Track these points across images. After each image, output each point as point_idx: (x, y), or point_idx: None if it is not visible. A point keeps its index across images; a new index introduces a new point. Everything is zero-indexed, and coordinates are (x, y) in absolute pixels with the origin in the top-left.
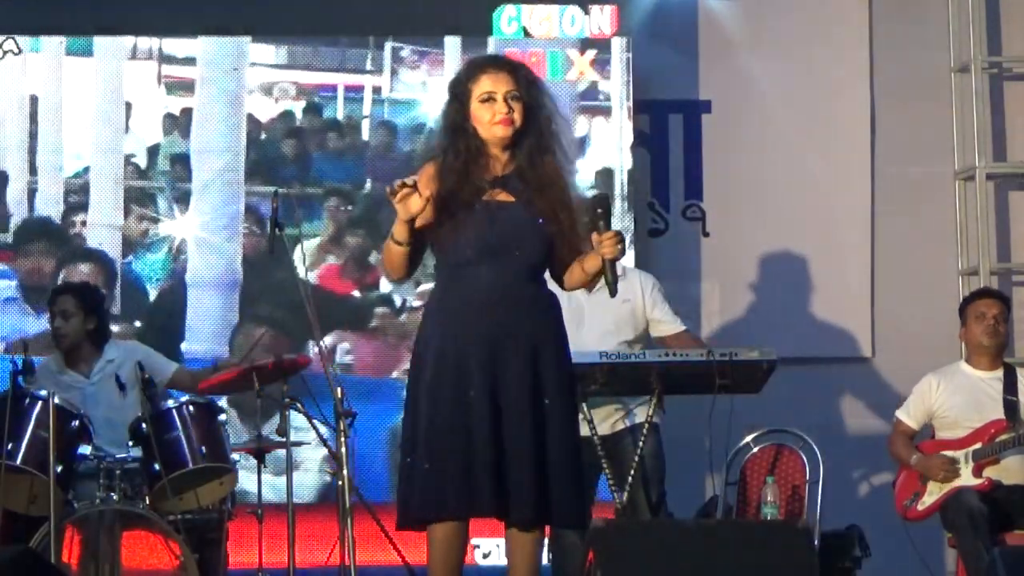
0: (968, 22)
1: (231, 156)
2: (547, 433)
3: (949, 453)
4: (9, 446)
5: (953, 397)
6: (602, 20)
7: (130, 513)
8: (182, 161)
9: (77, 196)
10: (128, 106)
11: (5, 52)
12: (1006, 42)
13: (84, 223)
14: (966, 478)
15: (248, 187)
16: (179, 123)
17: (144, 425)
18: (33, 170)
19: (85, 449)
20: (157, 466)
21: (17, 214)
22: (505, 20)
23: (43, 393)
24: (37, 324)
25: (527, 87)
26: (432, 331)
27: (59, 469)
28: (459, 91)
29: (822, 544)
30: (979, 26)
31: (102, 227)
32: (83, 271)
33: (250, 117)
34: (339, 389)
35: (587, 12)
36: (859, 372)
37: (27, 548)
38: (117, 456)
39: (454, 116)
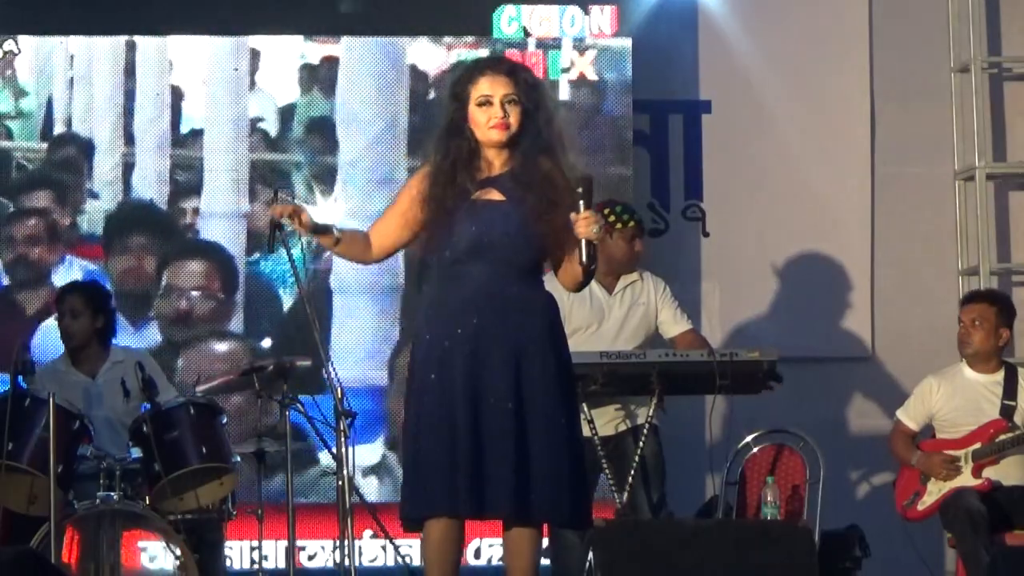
0: (968, 22)
1: (388, 120)
2: (531, 432)
3: (949, 453)
4: (9, 446)
5: (952, 400)
6: (602, 20)
7: (130, 513)
8: (324, 127)
9: (187, 173)
10: (253, 55)
11: (5, 52)
12: (1006, 42)
13: (196, 209)
14: (965, 478)
15: (411, 161)
16: (320, 77)
17: (144, 425)
18: (129, 139)
19: (85, 449)
20: (157, 466)
21: (108, 197)
22: (505, 20)
23: (43, 394)
24: (136, 342)
25: (526, 90)
26: (422, 330)
27: (59, 469)
28: (458, 92)
29: (822, 544)
30: (979, 26)
31: (220, 215)
32: (194, 271)
33: (413, 70)
34: (339, 389)
35: (587, 12)
36: (859, 372)
37: (27, 548)
38: (117, 456)
39: (452, 116)
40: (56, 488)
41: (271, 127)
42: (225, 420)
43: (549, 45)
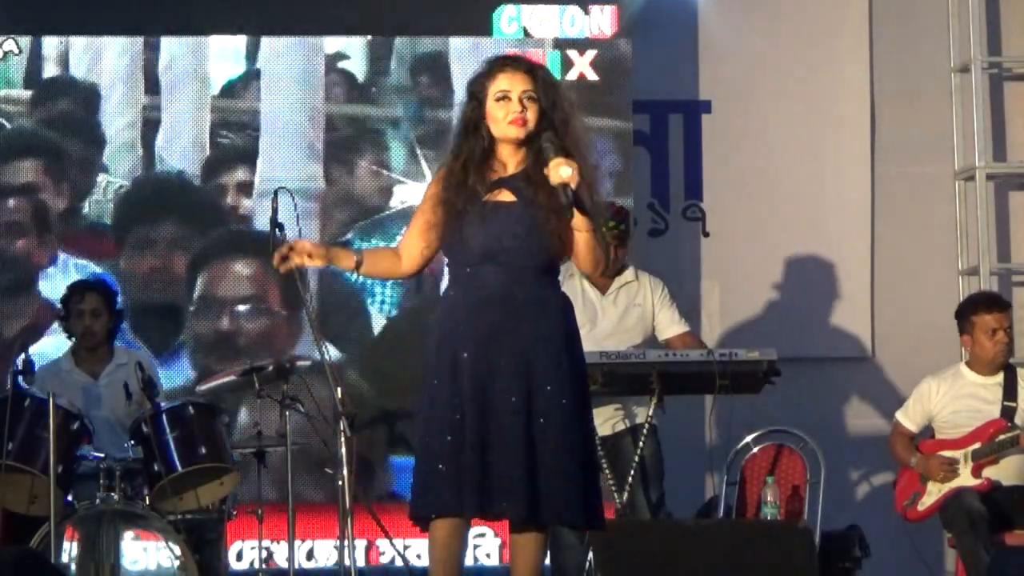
0: (968, 22)
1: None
2: (543, 432)
3: (948, 453)
4: (9, 446)
5: (953, 402)
6: (602, 20)
7: (130, 513)
8: (433, 70)
9: (234, 134)
10: None
11: (5, 52)
12: (1006, 42)
13: (248, 185)
14: (965, 478)
15: None
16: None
17: (144, 425)
18: (152, 86)
19: (85, 449)
20: (157, 466)
21: (121, 170)
22: (505, 20)
23: (43, 394)
24: (163, 374)
25: (544, 88)
26: (436, 331)
27: (59, 469)
28: (476, 89)
29: (822, 544)
30: (979, 26)
31: (282, 193)
32: (242, 275)
33: None
34: (339, 389)
35: (587, 12)
36: (859, 372)
37: (27, 548)
38: (117, 456)
39: (470, 115)
40: (56, 488)
41: (357, 67)
42: (226, 420)
43: (549, 45)
